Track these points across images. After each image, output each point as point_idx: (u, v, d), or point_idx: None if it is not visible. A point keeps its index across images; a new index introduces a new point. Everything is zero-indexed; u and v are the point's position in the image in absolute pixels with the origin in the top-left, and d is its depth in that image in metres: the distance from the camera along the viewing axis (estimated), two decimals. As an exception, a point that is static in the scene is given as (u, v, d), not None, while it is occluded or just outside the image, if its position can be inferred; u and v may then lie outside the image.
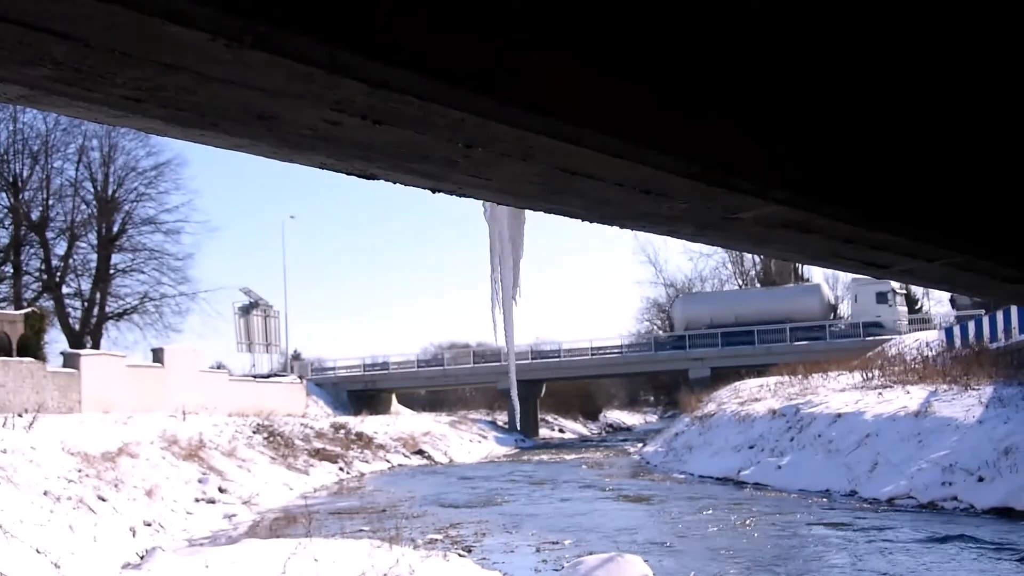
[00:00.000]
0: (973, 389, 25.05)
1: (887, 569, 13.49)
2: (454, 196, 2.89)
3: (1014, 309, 33.80)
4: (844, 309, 65.19)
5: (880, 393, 28.63)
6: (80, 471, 20.63)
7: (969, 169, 4.84)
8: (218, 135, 2.22)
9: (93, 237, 50.69)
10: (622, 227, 3.80)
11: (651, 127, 2.61)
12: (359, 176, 2.60)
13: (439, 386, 73.98)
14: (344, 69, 1.89)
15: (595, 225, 3.84)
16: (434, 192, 2.81)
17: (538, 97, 2.28)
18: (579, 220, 3.69)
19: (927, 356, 35.28)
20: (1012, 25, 3.87)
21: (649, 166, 2.68)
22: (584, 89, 2.43)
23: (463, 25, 2.13)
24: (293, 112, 2.09)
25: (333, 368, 70.71)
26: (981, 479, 19.64)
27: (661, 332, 76.92)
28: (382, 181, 2.70)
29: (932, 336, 42.35)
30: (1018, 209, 5.30)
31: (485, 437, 56.90)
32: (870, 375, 33.43)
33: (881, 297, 56.85)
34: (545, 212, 3.37)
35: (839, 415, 27.38)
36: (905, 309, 58.88)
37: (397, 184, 2.72)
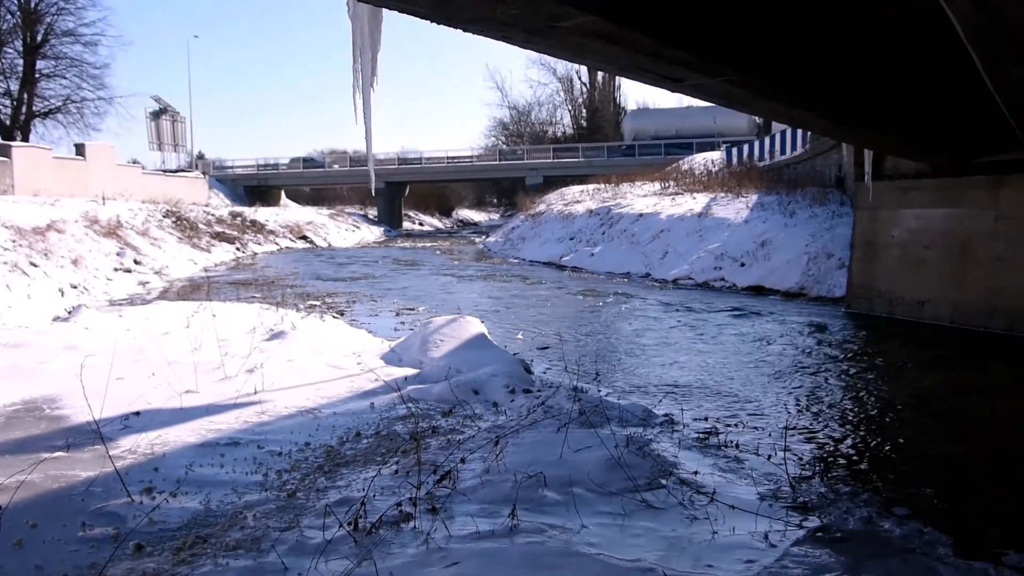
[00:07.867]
0: (743, 197, 25.94)
1: (661, 318, 14.13)
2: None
3: (778, 136, 34.80)
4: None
5: (673, 199, 29.32)
6: (14, 241, 19.79)
7: (746, 7, 4.85)
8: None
9: (19, 44, 47.63)
10: (464, 30, 3.68)
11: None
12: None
13: (321, 184, 73.03)
14: None
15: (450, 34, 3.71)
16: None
17: None
18: (427, 21, 3.56)
19: (711, 171, 36.09)
20: None
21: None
22: None
23: None
24: None
25: (232, 167, 69.05)
26: (743, 264, 20.58)
27: (504, 146, 76.86)
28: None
29: (716, 155, 43.12)
30: (778, 40, 5.38)
31: (358, 227, 56.52)
32: (667, 185, 34.08)
33: None
34: (398, 11, 3.23)
35: (641, 215, 28.04)
36: None
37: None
